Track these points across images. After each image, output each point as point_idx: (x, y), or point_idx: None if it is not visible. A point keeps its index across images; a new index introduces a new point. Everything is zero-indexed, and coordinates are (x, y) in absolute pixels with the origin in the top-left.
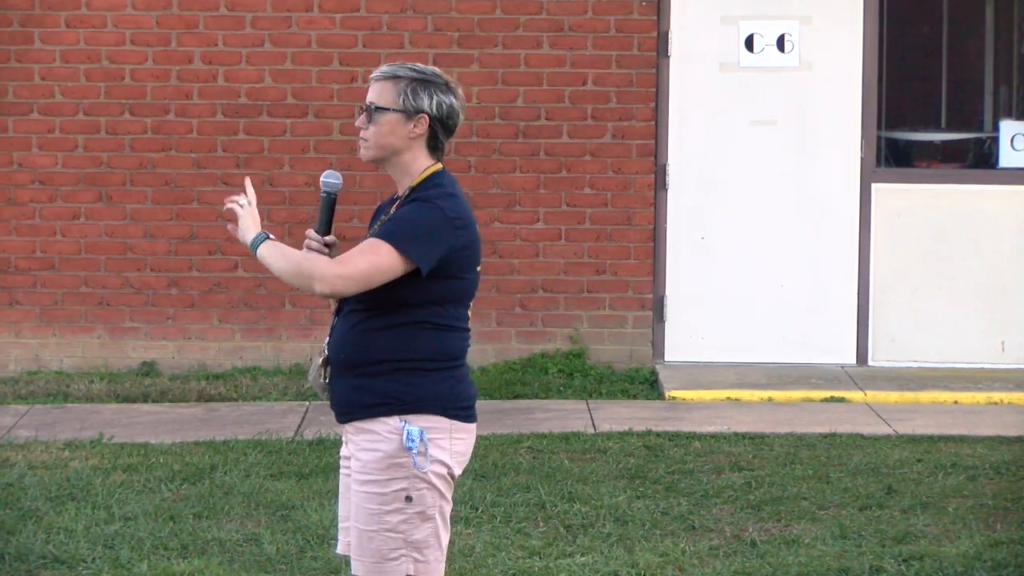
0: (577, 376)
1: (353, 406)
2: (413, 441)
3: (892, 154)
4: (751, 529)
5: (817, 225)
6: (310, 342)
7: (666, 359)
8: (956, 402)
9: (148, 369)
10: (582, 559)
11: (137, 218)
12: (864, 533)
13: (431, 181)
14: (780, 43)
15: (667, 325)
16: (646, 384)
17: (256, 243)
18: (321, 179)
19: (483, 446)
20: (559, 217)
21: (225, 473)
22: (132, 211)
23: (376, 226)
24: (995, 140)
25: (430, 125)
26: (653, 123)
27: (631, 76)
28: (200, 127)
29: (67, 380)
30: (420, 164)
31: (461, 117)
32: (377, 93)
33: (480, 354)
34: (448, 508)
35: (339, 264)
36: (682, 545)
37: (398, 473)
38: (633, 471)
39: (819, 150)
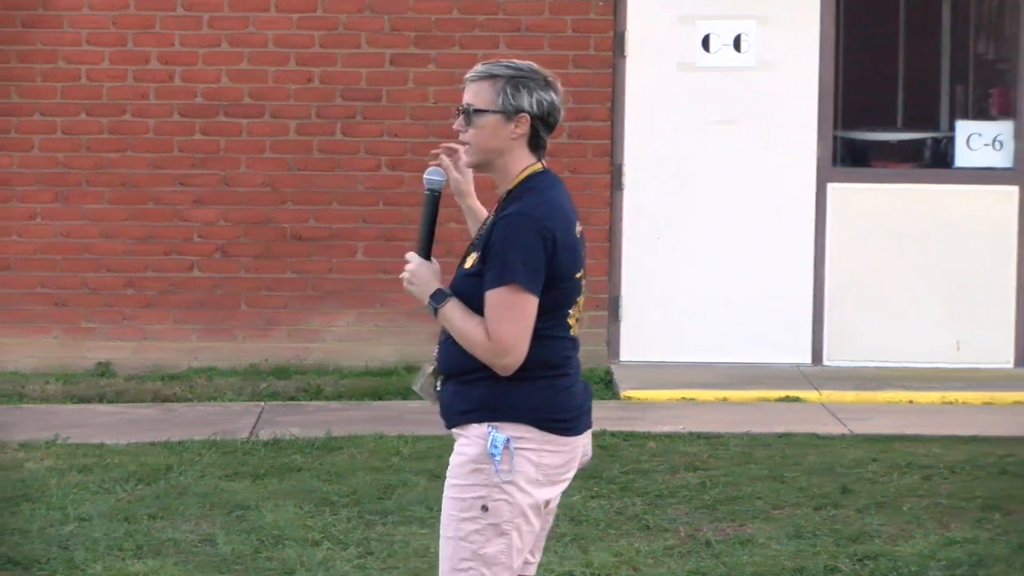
0: None
1: (451, 412)
2: (497, 447)
3: (849, 154)
4: (706, 529)
5: (774, 225)
6: (267, 342)
7: (621, 359)
8: (911, 401)
9: (104, 370)
10: None
11: (94, 218)
12: (819, 533)
13: (526, 184)
14: (736, 43)
15: (622, 325)
16: (601, 384)
17: (439, 299)
18: (424, 176)
19: (438, 446)
20: None
21: (180, 474)
22: (89, 211)
23: (480, 240)
24: (951, 140)
25: (531, 124)
26: (610, 123)
27: (588, 76)
28: (157, 127)
29: (23, 381)
30: (520, 165)
31: (562, 113)
32: (474, 94)
33: None
34: (527, 528)
35: (496, 347)
36: (637, 545)
37: (478, 479)
38: (588, 471)
39: (776, 150)
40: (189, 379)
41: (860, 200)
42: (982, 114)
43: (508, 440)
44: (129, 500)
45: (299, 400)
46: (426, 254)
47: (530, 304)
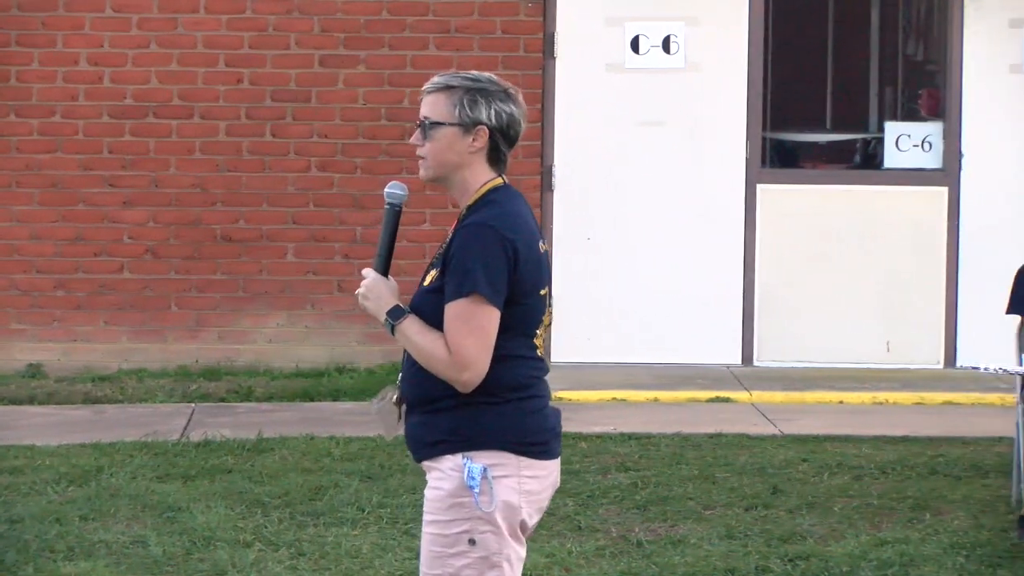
0: None
1: (419, 444)
2: (474, 479)
3: (778, 155)
4: (637, 529)
5: (704, 226)
6: (197, 344)
7: (552, 360)
8: (842, 402)
9: (35, 371)
10: None
11: (23, 220)
12: (750, 533)
13: (487, 198)
14: (666, 44)
15: (553, 326)
16: None
17: (396, 316)
18: (385, 190)
19: (369, 448)
20: (446, 219)
21: (112, 475)
22: (18, 213)
23: (439, 258)
24: (880, 141)
25: (490, 137)
26: (540, 124)
27: (518, 77)
28: (86, 128)
29: None
30: (479, 179)
31: (523, 125)
32: (431, 106)
33: (368, 355)
34: (516, 556)
35: (457, 361)
36: (568, 546)
37: (460, 514)
38: None
39: (706, 151)
40: (120, 380)
41: (789, 201)
42: (911, 115)
43: (485, 469)
44: (60, 502)
45: (230, 401)
46: (383, 270)
47: (491, 316)
